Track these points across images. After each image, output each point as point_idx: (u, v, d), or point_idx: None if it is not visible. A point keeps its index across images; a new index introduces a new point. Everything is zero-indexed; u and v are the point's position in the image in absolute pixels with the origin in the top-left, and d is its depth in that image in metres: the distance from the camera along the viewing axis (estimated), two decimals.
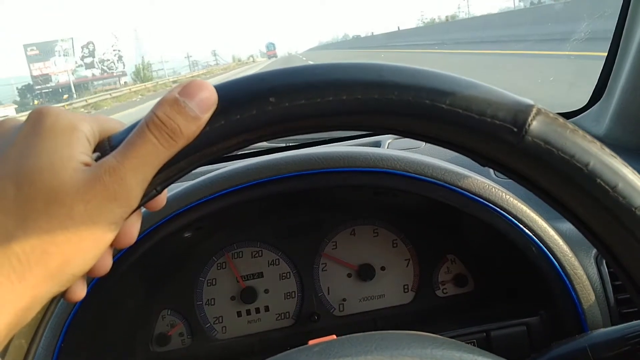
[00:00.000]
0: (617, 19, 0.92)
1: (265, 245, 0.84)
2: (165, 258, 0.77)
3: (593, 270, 0.67)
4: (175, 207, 0.63)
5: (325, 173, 0.66)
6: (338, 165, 0.66)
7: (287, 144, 1.06)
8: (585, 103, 1.04)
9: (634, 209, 0.30)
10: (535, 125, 0.30)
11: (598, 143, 0.31)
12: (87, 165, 0.30)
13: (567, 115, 1.06)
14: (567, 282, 0.62)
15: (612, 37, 0.94)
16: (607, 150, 0.31)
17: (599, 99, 0.99)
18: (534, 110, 0.30)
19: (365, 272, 0.84)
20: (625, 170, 0.30)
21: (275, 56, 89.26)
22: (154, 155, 0.30)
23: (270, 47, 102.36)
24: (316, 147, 1.00)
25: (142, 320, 0.81)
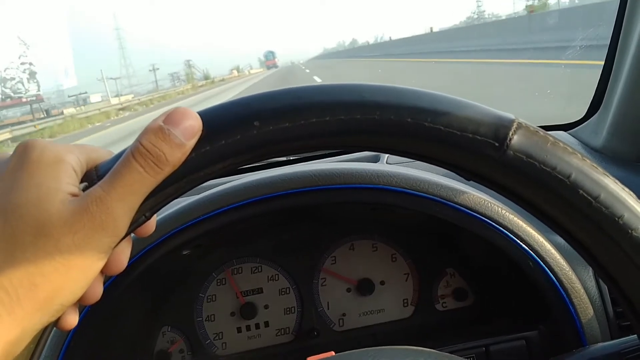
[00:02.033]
0: (612, 30, 0.93)
1: (265, 261, 0.84)
2: (165, 275, 0.77)
3: (591, 283, 0.67)
4: (173, 226, 0.64)
5: (323, 190, 0.66)
6: (335, 182, 0.66)
7: (288, 158, 1.07)
8: (584, 114, 1.04)
9: (617, 218, 0.30)
10: (516, 139, 0.31)
11: (579, 154, 0.31)
12: (74, 195, 0.30)
13: (566, 127, 1.06)
14: (565, 296, 0.62)
15: (607, 48, 0.95)
16: (588, 161, 0.31)
17: (597, 111, 0.99)
18: (515, 125, 0.31)
19: (364, 287, 0.84)
20: (607, 180, 0.31)
21: (276, 66, 77.31)
22: (140, 183, 0.30)
23: (270, 56, 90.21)
24: (317, 161, 1.00)
25: (143, 337, 0.81)
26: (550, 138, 0.31)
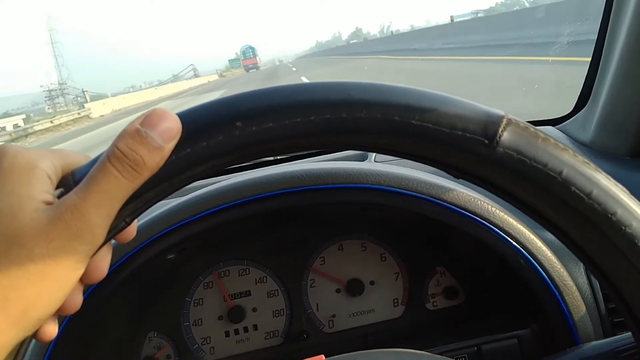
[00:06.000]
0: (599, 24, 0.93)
1: (252, 263, 0.83)
2: (150, 280, 0.76)
3: (583, 279, 0.66)
4: (156, 230, 0.62)
5: (310, 190, 0.65)
6: (322, 182, 0.65)
7: (275, 157, 1.05)
8: (572, 109, 1.03)
9: (610, 215, 0.30)
10: (506, 136, 0.30)
11: (570, 150, 0.30)
12: (49, 203, 0.29)
13: (554, 122, 1.05)
14: (557, 293, 0.62)
15: (595, 42, 0.94)
16: (580, 157, 0.30)
17: (585, 105, 0.99)
18: (504, 121, 0.30)
19: (354, 287, 0.82)
20: (599, 176, 0.30)
21: (256, 67, 62.43)
22: (117, 189, 0.29)
23: (248, 53, 73.23)
24: (304, 160, 0.99)
25: (128, 344, 0.79)
26: (541, 134, 0.30)
